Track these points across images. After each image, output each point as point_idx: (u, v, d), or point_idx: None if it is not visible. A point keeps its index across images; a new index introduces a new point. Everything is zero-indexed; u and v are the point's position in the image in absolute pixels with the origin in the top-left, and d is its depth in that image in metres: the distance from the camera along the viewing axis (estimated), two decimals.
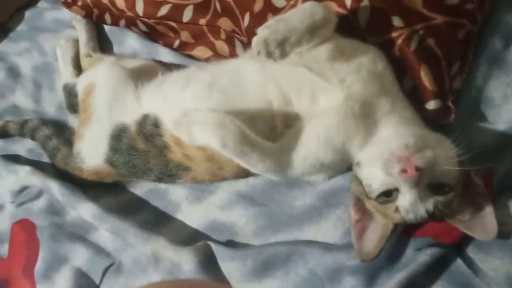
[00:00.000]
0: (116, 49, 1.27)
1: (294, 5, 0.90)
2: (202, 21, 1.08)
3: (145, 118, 0.98)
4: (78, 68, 1.27)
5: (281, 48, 0.75)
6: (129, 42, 1.23)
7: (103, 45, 1.29)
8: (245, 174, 0.95)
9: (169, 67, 1.13)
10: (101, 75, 1.08)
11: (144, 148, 0.97)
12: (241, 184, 0.98)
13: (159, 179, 1.00)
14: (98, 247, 1.05)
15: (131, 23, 1.20)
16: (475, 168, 0.76)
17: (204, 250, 0.93)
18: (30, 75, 1.40)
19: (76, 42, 1.30)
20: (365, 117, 0.81)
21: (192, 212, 1.02)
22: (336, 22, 0.82)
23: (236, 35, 1.04)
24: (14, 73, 1.42)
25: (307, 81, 0.86)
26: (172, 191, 1.06)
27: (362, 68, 0.81)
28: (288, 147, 0.82)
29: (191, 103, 0.93)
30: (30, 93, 1.36)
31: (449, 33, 0.85)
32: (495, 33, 0.92)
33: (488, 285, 0.75)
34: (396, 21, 0.83)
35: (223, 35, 1.08)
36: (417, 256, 0.78)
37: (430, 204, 0.74)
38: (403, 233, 0.81)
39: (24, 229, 1.13)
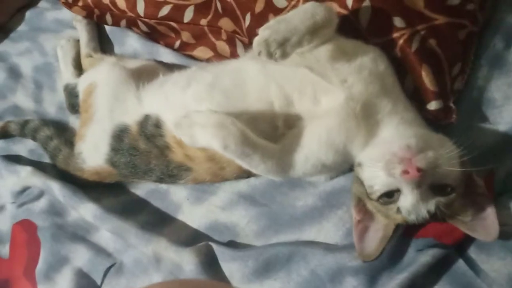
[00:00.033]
0: (117, 49, 1.27)
1: (295, 6, 0.90)
2: (203, 22, 1.08)
3: (146, 118, 0.98)
4: (79, 69, 1.27)
5: (282, 49, 0.75)
6: (130, 42, 1.23)
7: (104, 45, 1.29)
8: (246, 174, 0.95)
9: (170, 67, 1.13)
10: (102, 75, 1.08)
11: (145, 149, 0.97)
12: (242, 185, 0.98)
13: (160, 180, 1.00)
14: (99, 248, 1.04)
15: (132, 24, 1.20)
16: (477, 169, 0.76)
17: (205, 250, 0.93)
18: (31, 76, 1.39)
19: (77, 42, 1.30)
20: (366, 117, 0.81)
21: (193, 212, 1.02)
22: (337, 23, 0.82)
23: (237, 35, 1.04)
24: (15, 73, 1.41)
25: (308, 81, 0.86)
26: (173, 192, 1.06)
27: (364, 68, 0.81)
28: (290, 148, 0.82)
29: (193, 104, 0.93)
30: (31, 94, 1.36)
31: (450, 34, 0.85)
32: (496, 34, 0.92)
33: (490, 286, 0.74)
34: (398, 22, 0.83)
35: (224, 36, 1.08)
36: (419, 257, 0.78)
37: (431, 205, 0.74)
38: (405, 233, 0.81)
39: (25, 230, 1.13)
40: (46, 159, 1.20)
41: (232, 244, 0.95)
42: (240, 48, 1.07)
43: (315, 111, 0.85)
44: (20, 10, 1.52)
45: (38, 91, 1.36)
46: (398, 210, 0.76)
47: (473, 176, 0.78)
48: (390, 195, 0.76)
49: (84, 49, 1.27)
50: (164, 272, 0.94)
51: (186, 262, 0.91)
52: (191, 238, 0.98)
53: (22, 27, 1.49)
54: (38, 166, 1.18)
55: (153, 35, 1.20)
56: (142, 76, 1.06)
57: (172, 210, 1.05)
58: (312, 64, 0.85)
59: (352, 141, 0.81)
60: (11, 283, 1.09)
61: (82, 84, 1.13)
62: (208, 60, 1.13)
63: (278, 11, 0.93)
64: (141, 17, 1.14)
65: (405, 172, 0.72)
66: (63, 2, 1.25)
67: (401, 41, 0.83)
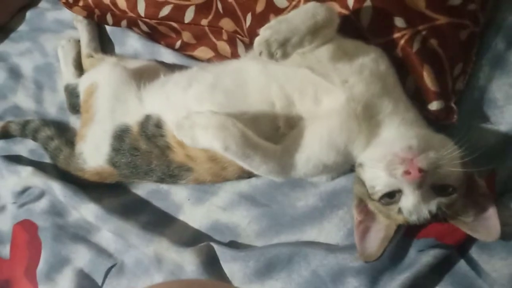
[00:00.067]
0: (117, 49, 1.27)
1: (296, 6, 0.90)
2: (204, 22, 1.07)
3: (147, 118, 0.98)
4: (79, 69, 1.27)
5: (282, 49, 0.75)
6: (130, 42, 1.23)
7: (104, 45, 1.29)
8: (247, 175, 0.95)
9: (171, 67, 1.13)
10: (103, 75, 1.08)
11: (146, 149, 0.97)
12: (243, 185, 0.98)
13: (161, 180, 1.00)
14: (101, 248, 1.05)
15: (132, 24, 1.20)
16: (478, 169, 0.76)
17: (206, 251, 0.93)
18: (32, 76, 1.39)
19: (77, 42, 1.30)
20: (367, 118, 0.81)
21: (194, 213, 1.02)
22: (338, 23, 0.82)
23: (238, 35, 1.04)
24: (15, 73, 1.42)
25: (309, 82, 0.86)
26: (174, 192, 1.06)
27: (365, 68, 0.81)
28: (291, 149, 0.82)
29: (194, 104, 0.93)
30: (32, 94, 1.36)
31: (451, 34, 0.85)
32: (497, 34, 0.91)
33: (491, 286, 0.74)
34: (399, 22, 0.83)
35: (225, 36, 1.08)
36: (420, 257, 0.78)
37: (433, 206, 0.74)
38: (406, 234, 0.81)
39: (26, 230, 1.13)
40: (47, 160, 1.20)
41: (233, 245, 0.95)
42: (241, 48, 1.07)
43: (316, 111, 0.85)
44: (20, 10, 1.52)
45: (39, 91, 1.36)
46: (400, 211, 0.76)
47: (475, 176, 0.78)
48: (391, 196, 0.76)
49: (84, 49, 1.27)
50: (165, 272, 0.94)
51: (188, 262, 0.91)
52: (192, 238, 0.98)
53: (22, 27, 1.49)
54: (38, 166, 1.19)
55: (153, 35, 1.20)
56: (143, 76, 1.06)
57: (173, 210, 1.05)
58: (313, 64, 0.84)
59: (353, 142, 0.80)
60: (12, 284, 1.09)
61: (83, 84, 1.13)
62: (209, 60, 1.13)
63: (279, 11, 0.93)
64: (142, 17, 1.14)
65: (407, 172, 0.72)
66: (63, 2, 1.25)
67: (402, 41, 0.83)
